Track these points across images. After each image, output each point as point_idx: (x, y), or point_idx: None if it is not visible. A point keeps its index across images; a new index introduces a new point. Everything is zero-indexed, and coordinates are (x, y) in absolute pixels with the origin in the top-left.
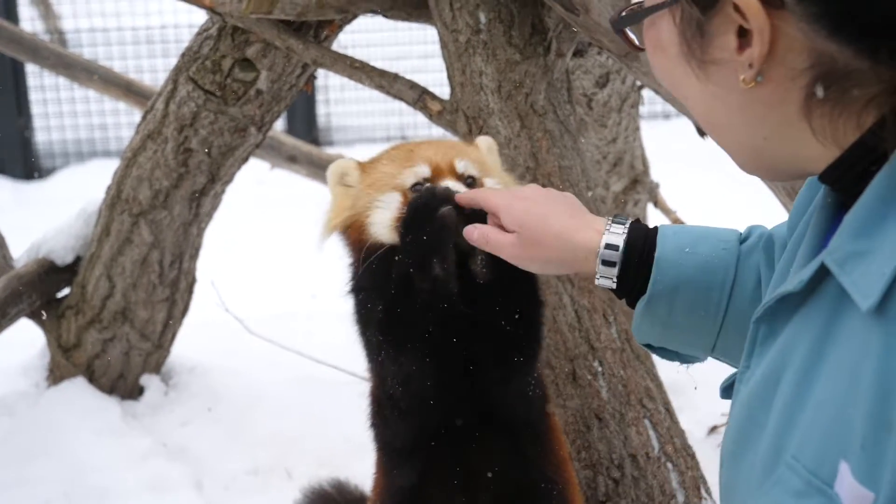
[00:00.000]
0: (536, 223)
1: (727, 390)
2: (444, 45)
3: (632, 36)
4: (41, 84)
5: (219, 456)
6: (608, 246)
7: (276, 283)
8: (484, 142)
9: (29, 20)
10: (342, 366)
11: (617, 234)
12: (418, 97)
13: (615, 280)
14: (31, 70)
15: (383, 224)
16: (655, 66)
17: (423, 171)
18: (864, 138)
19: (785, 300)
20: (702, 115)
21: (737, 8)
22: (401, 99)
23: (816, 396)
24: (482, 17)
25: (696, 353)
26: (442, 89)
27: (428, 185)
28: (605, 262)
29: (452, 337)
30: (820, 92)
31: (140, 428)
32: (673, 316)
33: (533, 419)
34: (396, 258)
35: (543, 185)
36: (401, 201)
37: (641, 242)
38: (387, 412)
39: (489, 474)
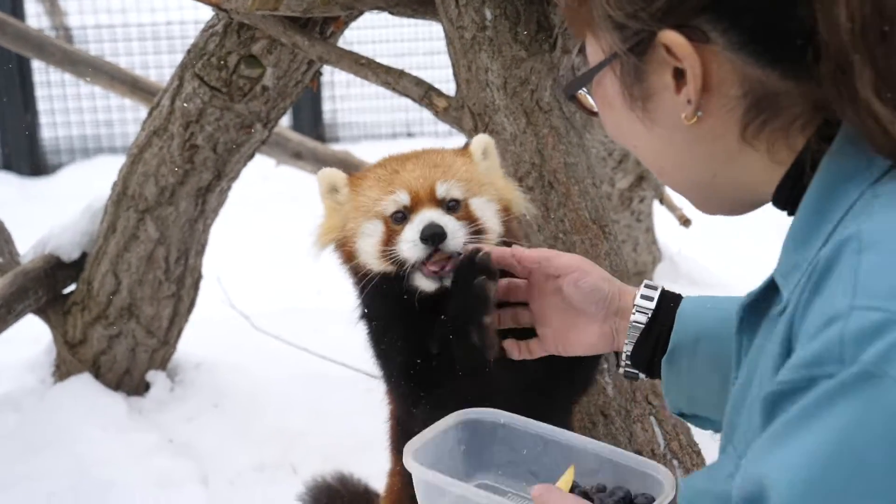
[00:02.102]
0: (585, 261)
1: None
2: (449, 42)
3: (589, 99)
4: (47, 80)
5: (224, 451)
6: (647, 286)
7: (282, 279)
8: (478, 144)
9: (35, 16)
10: (348, 362)
11: (653, 284)
12: (424, 94)
13: (650, 314)
14: (38, 66)
15: (369, 253)
16: (606, 122)
17: (403, 198)
18: (800, 156)
19: (749, 311)
20: (652, 161)
21: (668, 49)
22: (406, 95)
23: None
24: (488, 14)
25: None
26: (448, 86)
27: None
28: (644, 297)
29: (493, 393)
30: (756, 116)
31: (146, 423)
32: (694, 369)
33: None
34: (385, 286)
35: (549, 182)
36: (383, 230)
37: (672, 297)
38: None
39: None
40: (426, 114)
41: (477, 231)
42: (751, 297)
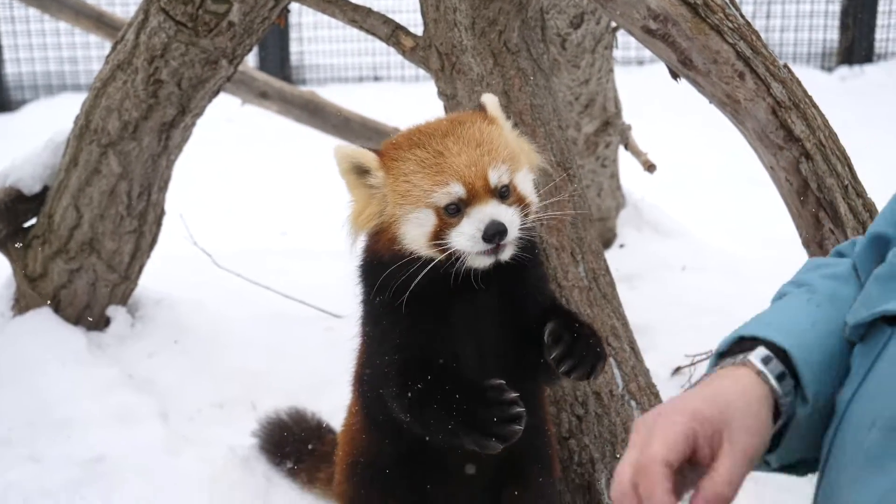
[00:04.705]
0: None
1: (859, 329)
2: None
3: None
4: (11, 15)
5: (184, 388)
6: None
7: (247, 219)
8: (495, 107)
9: None
10: (310, 301)
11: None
12: (391, 33)
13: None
14: (1, 1)
15: (418, 241)
16: None
17: (458, 190)
18: None
19: None
20: None
21: None
22: (373, 34)
23: None
24: None
25: None
26: (416, 28)
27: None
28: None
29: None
30: None
31: (106, 359)
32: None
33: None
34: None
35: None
36: (435, 222)
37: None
38: (380, 414)
39: None
40: (394, 59)
41: (526, 213)
42: None
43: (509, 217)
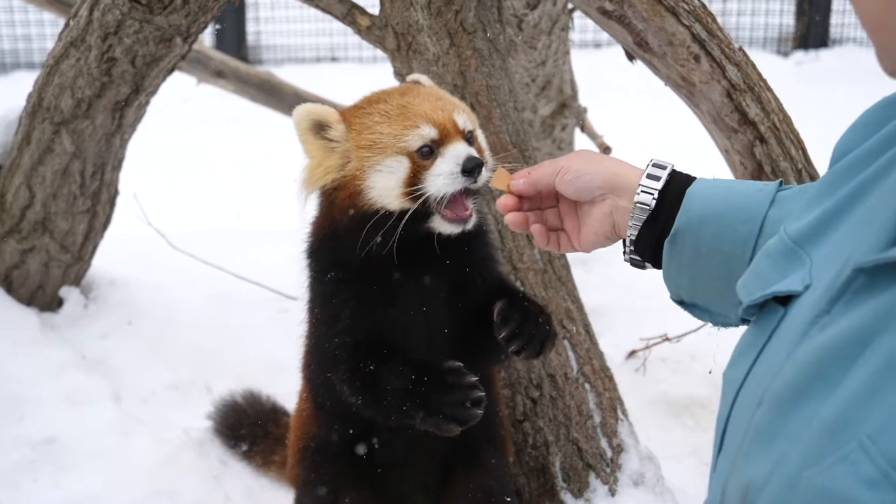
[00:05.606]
0: (570, 157)
1: (752, 309)
2: None
3: None
4: None
5: (138, 369)
6: (656, 164)
7: (202, 200)
8: (426, 79)
9: None
10: (265, 283)
11: (662, 163)
12: (347, 11)
13: (656, 195)
14: None
15: (389, 190)
16: None
17: (430, 132)
18: None
19: None
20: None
21: None
22: (329, 13)
23: None
24: None
25: (726, 311)
26: (373, 7)
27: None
28: (651, 177)
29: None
30: None
31: (58, 340)
32: (698, 253)
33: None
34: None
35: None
36: (408, 166)
37: (683, 179)
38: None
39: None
40: (350, 40)
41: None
42: None
43: (480, 157)
